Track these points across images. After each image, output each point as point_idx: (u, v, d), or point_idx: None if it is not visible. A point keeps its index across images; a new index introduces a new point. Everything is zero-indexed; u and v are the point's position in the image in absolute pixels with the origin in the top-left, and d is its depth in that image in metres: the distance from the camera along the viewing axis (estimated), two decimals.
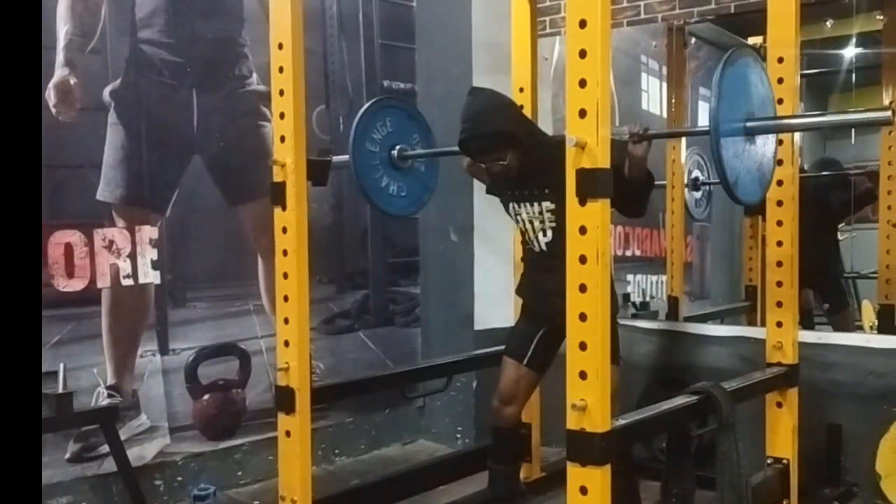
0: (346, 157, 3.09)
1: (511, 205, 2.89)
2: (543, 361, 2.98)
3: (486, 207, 4.13)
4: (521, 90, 3.41)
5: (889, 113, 2.33)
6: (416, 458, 4.03)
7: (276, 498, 2.69)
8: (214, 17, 3.73)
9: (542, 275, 2.86)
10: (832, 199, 4.17)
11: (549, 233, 2.81)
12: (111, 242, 3.38)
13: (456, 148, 2.99)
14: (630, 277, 4.59)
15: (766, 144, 2.54)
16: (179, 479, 3.57)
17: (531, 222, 2.84)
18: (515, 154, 2.76)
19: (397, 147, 3.20)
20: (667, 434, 2.75)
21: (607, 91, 2.01)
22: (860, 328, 4.05)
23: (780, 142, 2.84)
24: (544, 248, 2.84)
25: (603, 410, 2.01)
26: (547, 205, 2.78)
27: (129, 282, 3.44)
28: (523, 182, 2.82)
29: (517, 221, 2.90)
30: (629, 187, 2.37)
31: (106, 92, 3.40)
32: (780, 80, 2.85)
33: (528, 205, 2.83)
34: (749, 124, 2.42)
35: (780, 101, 2.84)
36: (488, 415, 3.05)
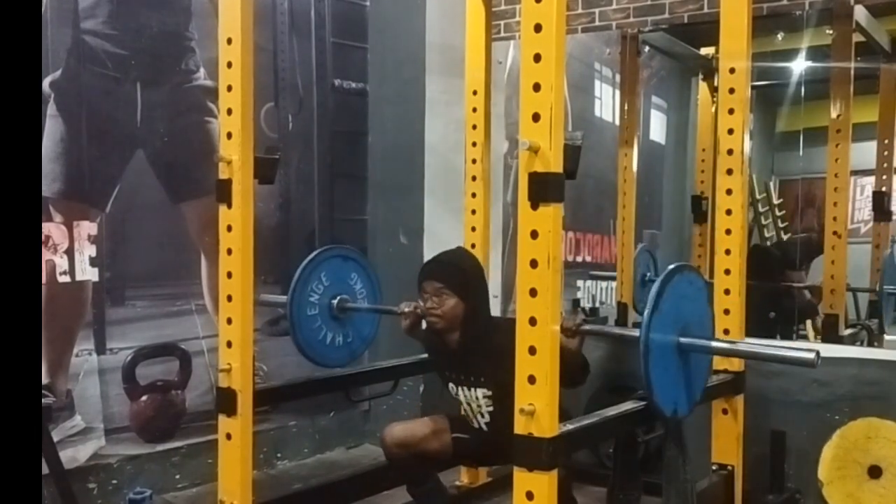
0: (283, 298, 3.07)
1: (449, 385, 2.90)
2: (464, 456, 2.97)
3: (436, 209, 4.12)
4: (475, 93, 3.39)
5: (813, 356, 2.35)
6: (360, 463, 3.98)
7: (214, 502, 2.63)
8: (161, 10, 3.64)
9: (483, 447, 2.86)
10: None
11: (487, 416, 2.83)
12: (47, 238, 3.28)
13: (395, 308, 3.01)
14: (580, 283, 4.61)
15: (698, 359, 2.53)
16: (114, 482, 3.48)
17: (469, 405, 2.86)
18: (457, 309, 2.75)
19: (338, 297, 3.17)
20: (614, 440, 2.74)
21: (561, 95, 2.01)
22: (804, 337, 4.12)
23: (729, 151, 2.87)
24: (484, 427, 2.86)
25: (551, 415, 2.01)
26: (483, 391, 2.80)
27: (65, 278, 3.33)
28: (461, 365, 2.82)
29: (457, 400, 2.89)
30: (567, 371, 2.22)
31: (46, 83, 3.29)
32: (732, 91, 2.89)
33: (465, 388, 2.84)
34: (683, 341, 2.40)
35: (731, 111, 2.88)
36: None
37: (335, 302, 3.16)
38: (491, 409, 2.80)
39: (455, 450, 2.91)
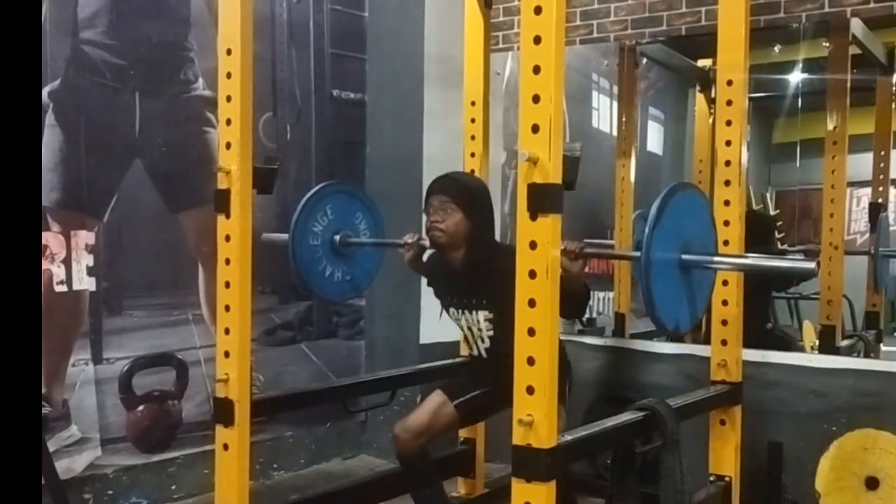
0: (285, 236, 3.06)
1: (451, 310, 2.91)
2: (472, 413, 2.95)
3: None
4: (473, 104, 3.40)
5: (814, 265, 2.41)
6: (357, 474, 3.97)
7: None
8: (160, 20, 3.65)
9: (487, 375, 2.86)
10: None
11: (488, 340, 2.84)
12: (45, 247, 3.27)
13: (398, 240, 3.04)
14: None
15: (701, 276, 2.53)
16: (110, 492, 3.46)
17: (469, 329, 2.87)
18: (461, 225, 2.74)
19: (340, 233, 3.16)
20: (612, 450, 2.74)
21: (560, 107, 2.01)
22: (801, 348, 4.12)
23: (727, 162, 2.88)
24: (484, 353, 2.87)
25: (549, 426, 2.00)
26: (485, 314, 2.80)
27: (62, 288, 3.33)
28: (463, 287, 2.83)
29: (458, 326, 2.91)
30: (567, 297, 2.23)
31: (44, 92, 3.29)
32: (729, 103, 2.90)
33: (466, 312, 2.85)
34: (685, 257, 2.40)
35: (729, 123, 2.89)
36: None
37: (338, 237, 3.15)
38: (491, 333, 2.80)
39: (462, 416, 2.90)
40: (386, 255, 4.26)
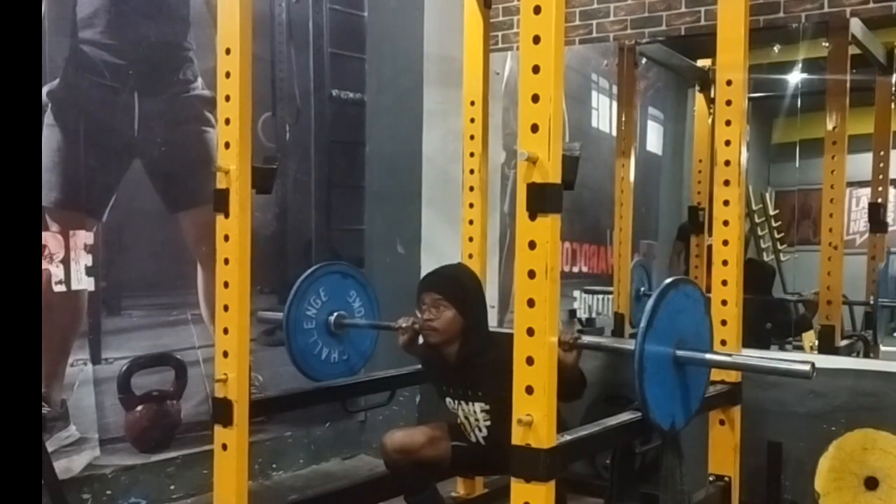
0: (279, 315, 3.06)
1: (447, 399, 2.89)
2: (464, 461, 2.93)
3: (433, 220, 4.12)
4: (473, 104, 3.39)
5: (809, 367, 2.39)
6: (356, 474, 3.97)
7: None
8: (159, 20, 3.65)
9: (481, 459, 2.85)
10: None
11: (485, 430, 2.82)
12: (44, 247, 3.27)
13: (392, 324, 3.01)
14: (577, 294, 4.61)
15: (696, 371, 2.52)
16: (109, 492, 3.46)
17: (466, 419, 2.85)
18: (454, 322, 2.74)
19: (335, 314, 3.15)
20: (611, 450, 2.74)
21: (560, 107, 2.01)
22: (800, 348, 4.12)
23: (727, 162, 2.88)
24: (482, 441, 2.85)
25: (548, 426, 2.00)
26: (481, 405, 2.79)
27: (61, 288, 3.32)
28: (458, 379, 2.82)
29: (454, 414, 2.89)
30: (564, 385, 2.21)
31: (43, 92, 3.29)
32: (729, 103, 2.90)
33: (462, 403, 2.83)
34: (679, 353, 2.39)
35: (728, 123, 2.89)
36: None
37: (332, 318, 3.14)
38: (489, 423, 2.79)
39: (454, 458, 2.89)
40: (382, 267, 4.28)
